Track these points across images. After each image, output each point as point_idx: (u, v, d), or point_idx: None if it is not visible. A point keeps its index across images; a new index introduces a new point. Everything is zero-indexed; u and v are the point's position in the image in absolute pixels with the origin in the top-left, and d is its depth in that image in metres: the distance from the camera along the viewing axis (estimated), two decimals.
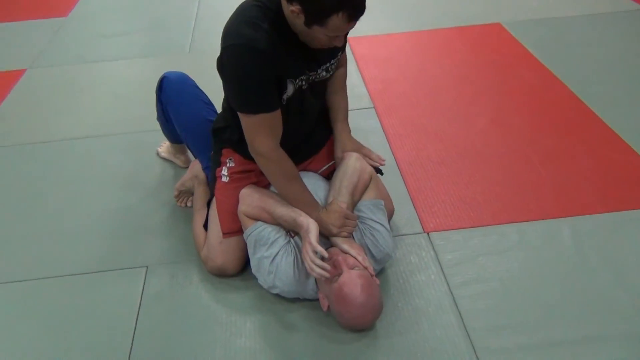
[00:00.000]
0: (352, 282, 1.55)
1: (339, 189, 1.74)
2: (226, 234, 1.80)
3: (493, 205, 2.09)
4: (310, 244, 1.57)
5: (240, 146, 1.75)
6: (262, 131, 1.62)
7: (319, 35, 1.51)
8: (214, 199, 1.87)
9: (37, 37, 3.82)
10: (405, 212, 2.07)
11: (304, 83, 1.68)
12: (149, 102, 2.26)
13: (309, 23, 1.47)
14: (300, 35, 1.56)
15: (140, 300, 1.80)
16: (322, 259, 1.59)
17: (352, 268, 1.58)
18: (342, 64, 1.92)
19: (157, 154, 2.49)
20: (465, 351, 1.58)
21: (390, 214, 1.98)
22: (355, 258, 1.62)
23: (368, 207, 1.77)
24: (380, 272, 1.83)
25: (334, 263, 1.60)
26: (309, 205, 1.69)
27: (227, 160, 1.87)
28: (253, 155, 1.68)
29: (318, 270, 1.54)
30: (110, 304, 1.80)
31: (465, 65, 3.13)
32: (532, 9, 3.76)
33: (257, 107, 1.58)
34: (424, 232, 2.00)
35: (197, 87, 2.10)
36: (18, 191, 2.35)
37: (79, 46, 3.67)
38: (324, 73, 1.74)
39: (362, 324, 1.62)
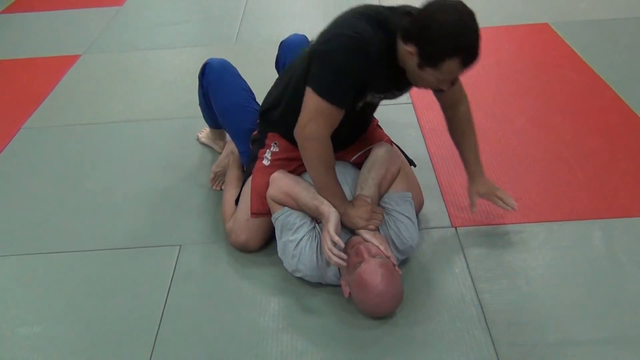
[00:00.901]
0: (373, 270, 1.58)
1: (366, 180, 1.77)
2: (254, 214, 1.85)
3: (524, 203, 2.07)
4: (329, 232, 1.60)
5: (290, 134, 1.73)
6: (321, 119, 1.61)
7: (428, 78, 1.55)
8: (250, 177, 1.92)
9: (93, 24, 3.99)
10: (434, 206, 2.09)
11: (377, 99, 1.74)
12: (194, 89, 2.34)
13: (422, 65, 1.51)
14: (408, 73, 1.61)
15: (172, 277, 1.88)
16: (344, 249, 1.63)
17: (373, 256, 1.61)
18: (460, 101, 1.87)
19: (197, 139, 2.58)
20: (484, 345, 1.59)
21: (419, 206, 2.01)
22: (377, 247, 1.65)
23: (394, 199, 1.80)
24: (405, 263, 1.85)
25: (356, 251, 1.63)
26: (338, 197, 1.71)
27: (272, 144, 1.92)
28: (299, 138, 1.66)
29: (335, 259, 1.57)
30: (144, 279, 1.89)
31: (508, 64, 3.10)
32: (581, 10, 3.69)
33: (334, 97, 1.58)
34: (452, 226, 2.01)
35: (238, 74, 2.17)
36: (66, 168, 2.48)
37: (131, 34, 3.81)
38: (399, 95, 1.80)
39: (381, 311, 1.65)
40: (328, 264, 1.69)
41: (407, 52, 1.52)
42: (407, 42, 1.51)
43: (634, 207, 2.05)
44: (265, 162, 1.91)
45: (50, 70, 3.35)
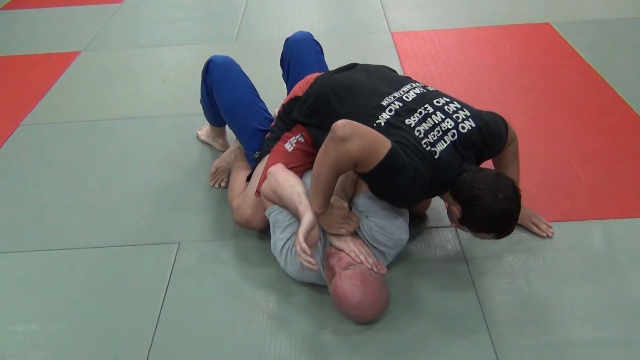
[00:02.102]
0: (344, 284, 1.58)
1: (336, 190, 1.71)
2: (259, 192, 1.84)
3: (525, 203, 2.04)
4: (298, 236, 1.56)
5: (319, 136, 1.65)
6: (367, 142, 1.51)
7: (464, 229, 1.66)
8: (268, 155, 1.91)
9: (93, 21, 3.97)
10: (435, 205, 2.07)
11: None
12: (193, 87, 2.34)
13: (462, 222, 1.62)
14: (448, 211, 1.70)
15: (170, 274, 1.87)
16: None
17: (346, 267, 1.60)
18: (511, 141, 1.84)
19: (197, 136, 2.57)
20: (484, 345, 1.58)
21: (427, 204, 2.01)
22: (348, 255, 1.64)
23: (363, 200, 1.74)
24: (404, 261, 1.85)
25: (329, 264, 1.64)
26: (325, 199, 1.63)
27: (300, 134, 1.91)
28: (336, 134, 1.48)
29: (306, 264, 1.54)
30: (142, 276, 1.88)
31: (510, 64, 3.09)
32: (584, 9, 3.68)
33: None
34: (452, 226, 2.00)
35: (242, 72, 2.15)
36: (65, 165, 2.47)
37: (131, 32, 3.80)
38: None
39: (364, 319, 1.65)
40: None
41: (453, 206, 1.62)
42: (455, 200, 1.61)
43: (635, 208, 2.04)
44: (288, 147, 1.90)
45: (49, 67, 3.34)
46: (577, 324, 1.63)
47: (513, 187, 1.57)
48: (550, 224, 1.96)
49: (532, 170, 2.24)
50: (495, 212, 1.53)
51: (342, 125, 1.48)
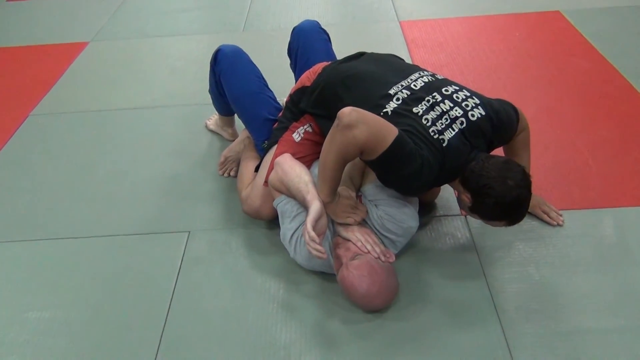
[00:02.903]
0: (350, 275, 1.58)
1: (343, 179, 1.72)
2: (267, 182, 1.85)
3: (535, 192, 2.03)
4: (306, 226, 1.57)
5: (327, 126, 1.59)
6: (374, 129, 1.50)
7: (475, 217, 1.65)
8: (276, 146, 1.91)
9: (100, 11, 3.97)
10: (444, 193, 2.07)
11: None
12: (202, 76, 2.33)
13: (473, 211, 1.61)
14: (458, 200, 1.69)
15: (181, 263, 1.88)
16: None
17: (353, 258, 1.61)
18: (522, 129, 1.83)
19: (206, 126, 2.57)
20: (494, 332, 1.58)
21: (436, 192, 2.01)
22: (355, 244, 1.65)
23: (372, 189, 1.75)
24: (414, 250, 1.85)
25: (336, 255, 1.65)
26: (333, 187, 1.64)
27: (308, 124, 1.91)
28: (343, 120, 1.47)
29: (314, 252, 1.54)
30: (153, 265, 1.89)
31: (519, 52, 3.06)
32: None
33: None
34: (462, 214, 1.99)
35: (250, 61, 2.15)
36: (74, 155, 2.48)
37: (139, 21, 3.80)
38: None
39: (373, 308, 1.65)
40: None
41: (463, 195, 1.61)
42: (465, 188, 1.59)
43: None
44: (296, 137, 1.89)
45: (58, 58, 3.35)
46: (588, 312, 1.63)
47: (523, 173, 1.56)
48: (560, 212, 1.95)
49: (542, 158, 2.23)
50: (505, 200, 1.52)
51: (347, 112, 1.47)
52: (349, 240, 1.68)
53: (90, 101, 2.88)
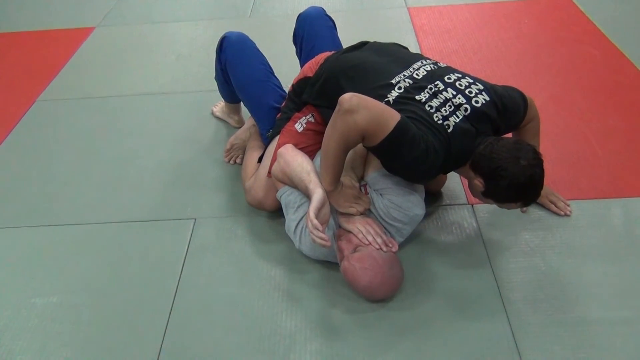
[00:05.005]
0: (352, 267, 1.58)
1: (345, 168, 1.71)
2: (270, 174, 1.84)
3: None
4: (309, 214, 1.56)
5: (329, 115, 1.58)
6: (375, 114, 1.50)
7: (489, 202, 1.63)
8: (277, 137, 1.91)
9: None
10: (450, 183, 2.06)
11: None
12: (208, 62, 2.32)
13: (486, 195, 1.60)
14: (469, 186, 1.68)
15: (187, 250, 1.89)
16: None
17: (355, 249, 1.60)
18: (531, 118, 1.83)
19: (212, 113, 2.56)
20: (500, 322, 1.58)
21: (442, 182, 2.00)
22: (356, 236, 1.64)
23: (376, 178, 1.73)
24: (421, 239, 1.85)
25: (338, 247, 1.64)
26: (335, 175, 1.63)
27: (310, 114, 1.90)
28: (344, 105, 1.47)
29: (318, 240, 1.53)
30: (159, 252, 1.90)
31: (528, 39, 3.03)
32: None
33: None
34: (469, 203, 1.99)
35: (256, 48, 2.14)
36: (81, 141, 2.48)
37: (145, 7, 3.77)
38: None
39: (377, 298, 1.65)
40: None
41: (475, 180, 1.59)
42: (477, 173, 1.58)
43: None
44: (298, 127, 1.88)
45: (64, 43, 3.34)
46: (595, 302, 1.62)
47: (534, 152, 1.54)
48: (568, 202, 1.94)
49: (551, 147, 2.21)
50: (520, 180, 1.50)
51: (348, 98, 1.47)
52: (350, 232, 1.67)
53: (96, 87, 2.88)
